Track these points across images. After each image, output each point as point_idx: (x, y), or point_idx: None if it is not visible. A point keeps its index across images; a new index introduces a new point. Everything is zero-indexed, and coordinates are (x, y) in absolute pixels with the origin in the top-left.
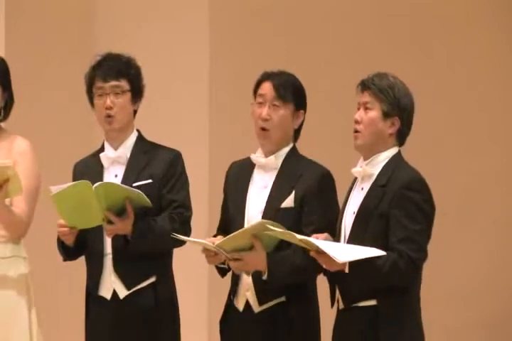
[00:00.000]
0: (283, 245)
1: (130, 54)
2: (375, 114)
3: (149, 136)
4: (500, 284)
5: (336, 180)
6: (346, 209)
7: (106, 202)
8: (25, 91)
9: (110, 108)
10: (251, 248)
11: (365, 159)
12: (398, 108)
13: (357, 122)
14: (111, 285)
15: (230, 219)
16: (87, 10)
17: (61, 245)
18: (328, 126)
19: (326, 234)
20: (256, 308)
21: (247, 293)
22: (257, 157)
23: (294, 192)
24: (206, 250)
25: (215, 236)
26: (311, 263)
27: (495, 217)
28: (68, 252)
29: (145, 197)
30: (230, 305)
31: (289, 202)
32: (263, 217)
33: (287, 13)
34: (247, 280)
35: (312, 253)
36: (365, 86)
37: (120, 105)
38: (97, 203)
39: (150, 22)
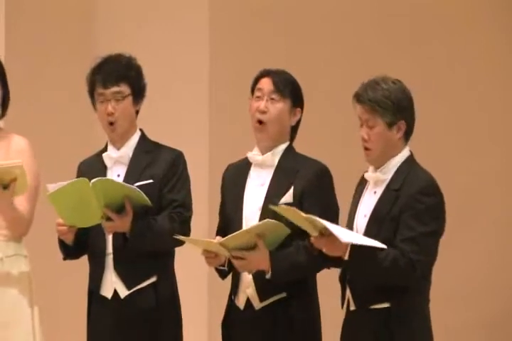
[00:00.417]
0: (286, 243)
1: (130, 53)
2: (379, 128)
3: (149, 136)
4: (500, 284)
5: (335, 180)
6: (358, 211)
7: (104, 199)
8: (26, 91)
9: (112, 114)
10: (254, 246)
11: (377, 168)
12: (400, 112)
13: (365, 140)
14: (111, 284)
15: (228, 218)
16: (87, 10)
17: (61, 244)
18: (328, 126)
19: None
20: (257, 305)
21: (247, 290)
22: (254, 154)
23: (292, 187)
24: (206, 252)
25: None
26: (314, 260)
27: (495, 217)
28: (68, 251)
29: (144, 195)
30: (231, 306)
31: (287, 197)
32: (262, 214)
33: (287, 13)
34: (247, 278)
35: (312, 239)
36: (360, 101)
37: (122, 110)
38: (96, 200)
39: (150, 22)
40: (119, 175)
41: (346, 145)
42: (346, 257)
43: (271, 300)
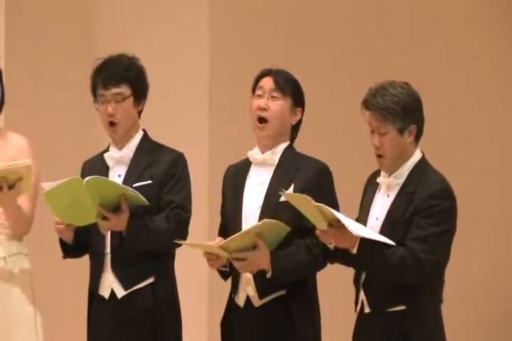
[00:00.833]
0: (286, 243)
1: (135, 53)
2: (391, 135)
3: (149, 136)
4: (500, 284)
5: (335, 179)
6: (370, 214)
7: (99, 198)
8: (26, 91)
9: (112, 115)
10: (254, 247)
11: (390, 172)
12: (410, 117)
13: (377, 148)
14: (109, 284)
15: (228, 217)
16: (87, 10)
17: (61, 242)
18: (328, 126)
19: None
20: (256, 302)
21: (247, 287)
22: (254, 153)
23: (292, 185)
24: (208, 254)
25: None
26: (315, 259)
27: (495, 217)
28: (68, 249)
29: (139, 195)
30: (231, 304)
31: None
32: (262, 212)
33: (287, 13)
34: (247, 275)
35: (318, 232)
36: (370, 109)
37: (122, 111)
38: (90, 199)
39: (150, 22)
40: (120, 175)
41: (346, 145)
42: (354, 251)
43: (270, 297)
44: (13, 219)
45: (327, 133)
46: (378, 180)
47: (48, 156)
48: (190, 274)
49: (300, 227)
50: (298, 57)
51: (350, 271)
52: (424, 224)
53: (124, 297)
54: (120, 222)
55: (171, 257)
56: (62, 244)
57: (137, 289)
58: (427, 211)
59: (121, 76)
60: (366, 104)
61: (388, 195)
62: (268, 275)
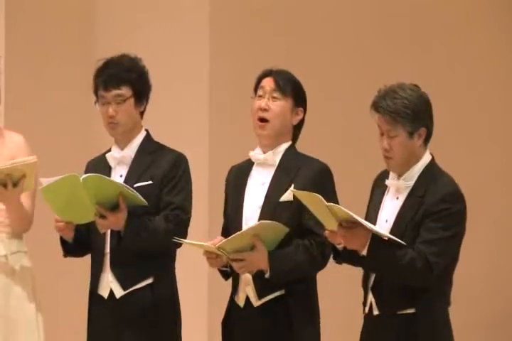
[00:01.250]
0: (285, 243)
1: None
2: (400, 138)
3: None
4: (500, 284)
5: (335, 179)
6: (379, 216)
7: (96, 196)
8: (26, 91)
9: (113, 116)
10: (252, 248)
11: (399, 174)
12: (420, 120)
13: (386, 150)
14: (108, 284)
15: (229, 218)
16: (87, 10)
17: (61, 240)
18: (328, 126)
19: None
20: (255, 302)
21: (246, 288)
22: (255, 153)
23: (293, 185)
24: (208, 253)
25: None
26: (314, 260)
27: (495, 217)
28: (68, 248)
29: (138, 194)
30: (231, 304)
31: (288, 195)
32: (261, 212)
33: (287, 13)
34: (247, 275)
35: (327, 233)
36: (380, 111)
37: (123, 113)
38: (88, 197)
39: (150, 22)
40: (121, 176)
41: (346, 145)
42: (364, 252)
43: (269, 297)
44: (15, 217)
45: (327, 133)
46: (387, 182)
47: (47, 156)
48: (190, 274)
49: (299, 228)
50: (298, 57)
51: (351, 272)
52: (434, 227)
53: (122, 297)
54: (118, 220)
55: (171, 258)
56: (63, 242)
57: (136, 289)
58: (437, 214)
59: (122, 77)
60: (376, 106)
61: (397, 198)
62: (266, 276)
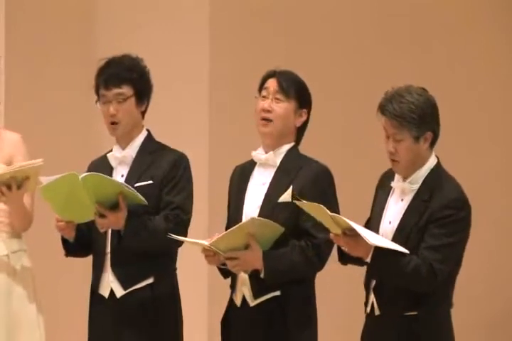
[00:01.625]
0: (282, 244)
1: (135, 54)
2: (406, 142)
3: None
4: (500, 284)
5: (336, 180)
6: (383, 218)
7: (96, 195)
8: (26, 91)
9: (114, 115)
10: (247, 247)
11: (405, 177)
12: (426, 124)
13: (392, 153)
14: (108, 284)
15: (230, 217)
16: (87, 10)
17: (63, 240)
18: (328, 126)
19: None
20: (251, 302)
21: (243, 287)
22: (257, 153)
23: (291, 186)
24: (205, 250)
25: None
26: (310, 261)
27: (495, 217)
28: (69, 247)
29: (138, 194)
30: (230, 303)
31: (286, 197)
32: (260, 212)
33: (287, 13)
34: (243, 275)
35: (332, 236)
36: (386, 115)
37: (124, 112)
38: (87, 196)
39: (150, 22)
40: (123, 176)
41: (346, 146)
42: (368, 259)
43: (265, 297)
44: (16, 216)
45: (327, 133)
46: (392, 184)
47: (47, 156)
48: (190, 274)
49: (296, 229)
50: (298, 57)
51: (352, 272)
52: (438, 233)
53: (123, 296)
54: (118, 219)
55: (172, 258)
56: (64, 242)
57: (136, 289)
58: (442, 220)
59: (123, 76)
60: (382, 109)
61: (402, 200)
62: (261, 275)
